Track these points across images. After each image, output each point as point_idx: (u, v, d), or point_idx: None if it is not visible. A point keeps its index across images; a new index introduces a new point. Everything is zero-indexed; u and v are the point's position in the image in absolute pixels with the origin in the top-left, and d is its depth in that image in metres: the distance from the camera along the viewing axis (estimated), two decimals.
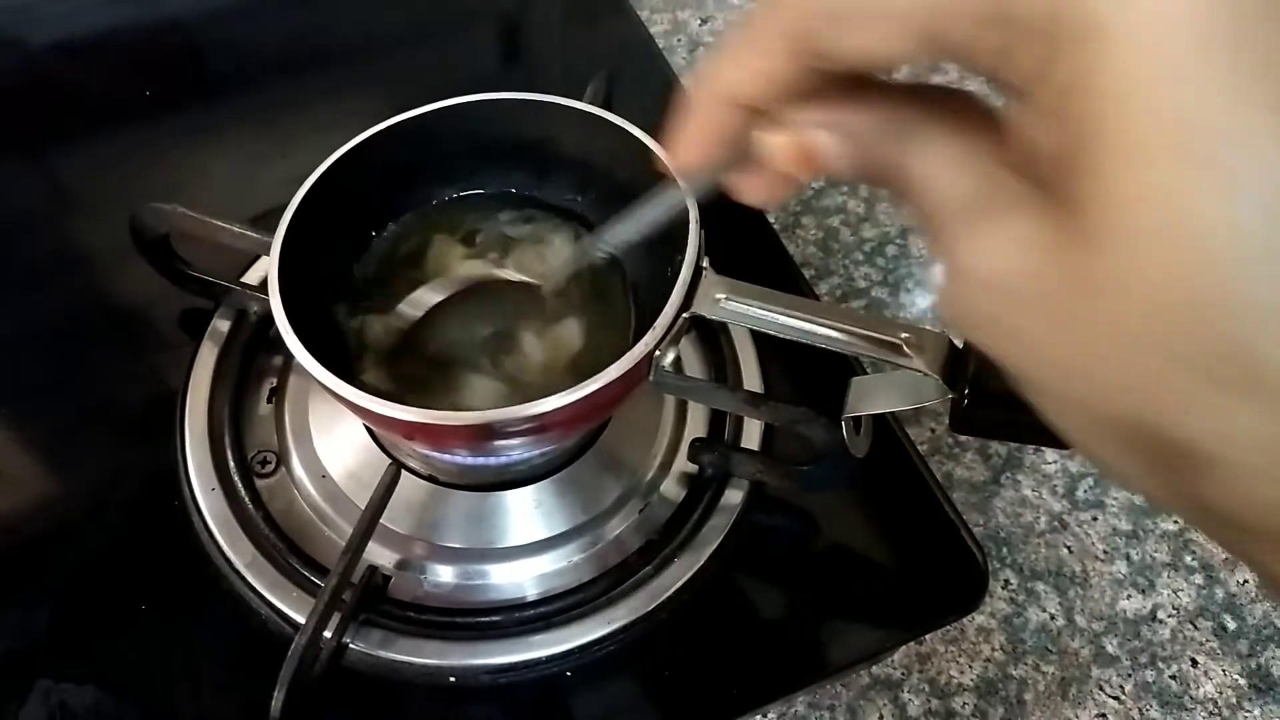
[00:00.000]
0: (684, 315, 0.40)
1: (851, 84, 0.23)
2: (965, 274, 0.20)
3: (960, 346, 0.39)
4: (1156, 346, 0.17)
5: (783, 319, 0.40)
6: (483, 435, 0.41)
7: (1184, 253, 0.16)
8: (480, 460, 0.47)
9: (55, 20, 0.75)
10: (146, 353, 0.56)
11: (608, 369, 0.38)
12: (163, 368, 0.54)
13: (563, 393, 0.38)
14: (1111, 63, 0.17)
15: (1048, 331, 0.19)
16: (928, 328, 0.39)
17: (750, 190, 0.28)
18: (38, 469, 0.52)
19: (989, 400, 0.37)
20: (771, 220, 0.65)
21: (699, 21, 0.83)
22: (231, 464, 0.49)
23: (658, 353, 0.40)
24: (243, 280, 0.55)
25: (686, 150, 0.26)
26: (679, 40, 0.82)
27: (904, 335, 0.39)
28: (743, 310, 0.41)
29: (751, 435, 0.51)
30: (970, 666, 0.57)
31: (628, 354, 0.39)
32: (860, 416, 0.42)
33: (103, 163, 0.66)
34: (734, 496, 0.50)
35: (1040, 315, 0.19)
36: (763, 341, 0.54)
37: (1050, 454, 0.65)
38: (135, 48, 0.74)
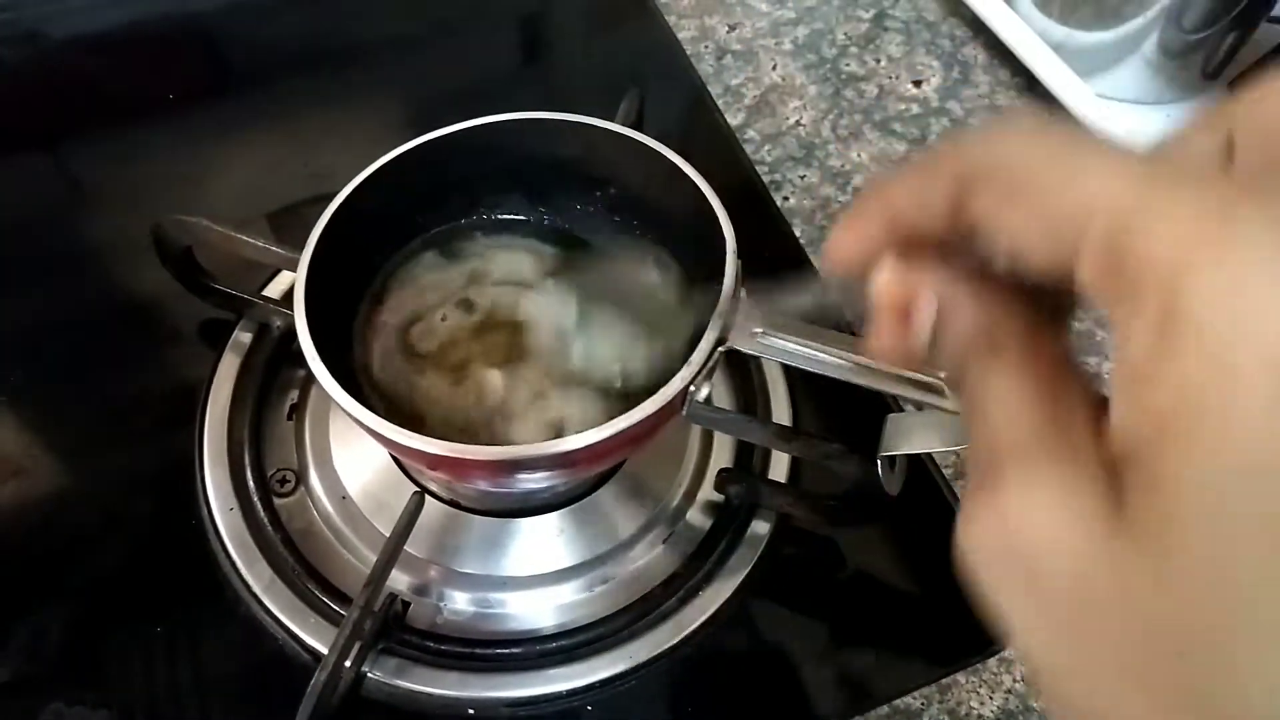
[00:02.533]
0: (720, 349, 0.39)
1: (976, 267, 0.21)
2: (1002, 517, 0.18)
3: None
4: (1163, 685, 0.16)
5: (819, 355, 0.39)
6: (509, 469, 0.40)
7: (1212, 589, 0.15)
8: (504, 489, 0.46)
9: (75, 14, 0.74)
10: (166, 364, 0.55)
11: (641, 405, 0.37)
12: (183, 380, 0.53)
13: (594, 429, 0.37)
14: (1198, 368, 0.15)
15: (1063, 615, 0.17)
16: None
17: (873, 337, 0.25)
18: (54, 485, 0.51)
19: None
20: (798, 234, 0.64)
21: (727, 28, 0.81)
22: (251, 483, 0.48)
23: (692, 388, 0.39)
24: (265, 294, 0.54)
25: (836, 246, 0.24)
26: (706, 47, 0.80)
27: (943, 375, 0.38)
28: (779, 345, 0.40)
29: (779, 467, 0.50)
30: (991, 698, 0.56)
31: (662, 390, 0.38)
32: (896, 455, 0.41)
33: (121, 162, 0.65)
34: (761, 527, 0.49)
35: (1060, 595, 0.17)
36: (793, 372, 0.52)
37: None
38: (155, 43, 0.73)
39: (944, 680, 0.57)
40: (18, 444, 0.52)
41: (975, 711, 0.56)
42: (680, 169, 0.43)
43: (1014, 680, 0.57)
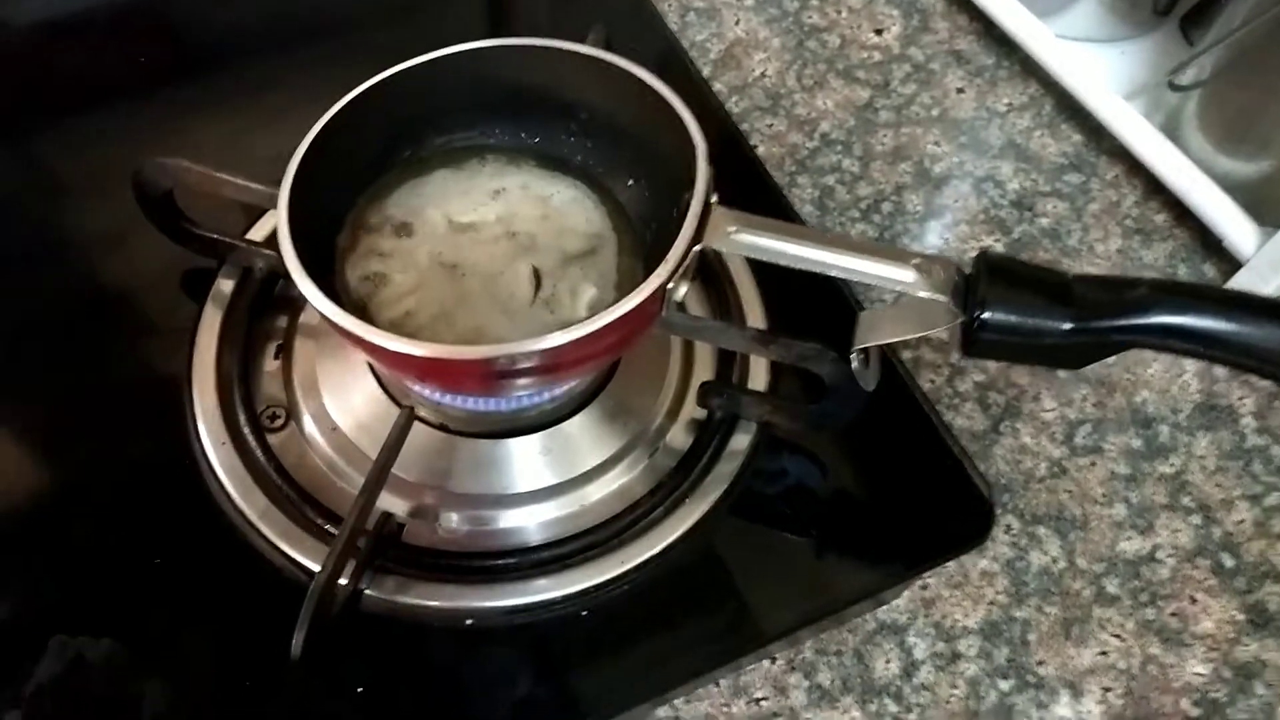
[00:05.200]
0: (695, 248, 0.40)
1: None
2: None
3: (969, 272, 0.40)
4: None
5: (794, 249, 0.41)
6: (495, 372, 0.41)
7: None
8: (490, 404, 0.48)
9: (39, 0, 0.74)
10: (151, 315, 0.55)
11: (620, 302, 0.39)
12: (168, 328, 0.53)
13: (575, 326, 0.38)
14: None
15: None
16: (936, 255, 0.40)
17: None
18: (49, 432, 0.51)
19: (998, 324, 0.38)
20: None
21: None
22: (242, 419, 0.49)
23: (670, 286, 0.40)
24: (247, 237, 0.54)
25: None
26: (670, 5, 0.82)
27: (915, 261, 0.40)
28: (754, 241, 0.41)
29: (758, 377, 0.52)
30: (975, 610, 0.58)
31: (640, 286, 0.39)
32: (869, 349, 0.42)
33: (95, 138, 0.65)
34: (741, 440, 0.50)
35: None
36: (765, 284, 0.54)
37: (1049, 401, 0.66)
38: (121, 23, 0.74)
39: (928, 595, 0.58)
40: (12, 396, 0.53)
41: (960, 623, 0.58)
42: (647, 83, 0.44)
43: (996, 593, 0.59)
